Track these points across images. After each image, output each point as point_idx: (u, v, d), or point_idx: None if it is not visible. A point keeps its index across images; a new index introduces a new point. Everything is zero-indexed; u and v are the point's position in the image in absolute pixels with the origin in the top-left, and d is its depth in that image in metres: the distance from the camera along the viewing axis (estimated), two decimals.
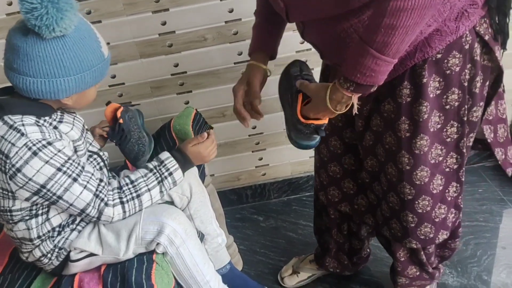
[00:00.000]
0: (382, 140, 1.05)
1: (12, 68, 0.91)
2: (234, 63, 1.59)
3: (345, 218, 1.34)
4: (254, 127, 1.75)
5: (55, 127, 0.97)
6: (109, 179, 1.06)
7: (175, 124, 1.34)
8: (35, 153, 0.89)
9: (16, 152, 0.89)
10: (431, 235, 1.12)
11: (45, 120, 0.96)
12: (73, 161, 0.95)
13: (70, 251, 1.06)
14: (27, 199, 0.95)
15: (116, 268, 1.03)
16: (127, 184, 1.02)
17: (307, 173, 1.89)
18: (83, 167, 0.97)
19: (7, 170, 0.90)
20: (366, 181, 1.18)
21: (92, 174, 0.98)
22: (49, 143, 0.91)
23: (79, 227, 1.07)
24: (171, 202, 1.17)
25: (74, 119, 1.05)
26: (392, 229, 1.16)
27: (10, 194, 0.94)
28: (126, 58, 1.54)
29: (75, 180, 0.94)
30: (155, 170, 1.05)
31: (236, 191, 1.90)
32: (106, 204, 0.98)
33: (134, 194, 1.01)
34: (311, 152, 1.83)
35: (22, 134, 0.90)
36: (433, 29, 0.89)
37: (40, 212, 1.00)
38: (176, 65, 1.57)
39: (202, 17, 1.49)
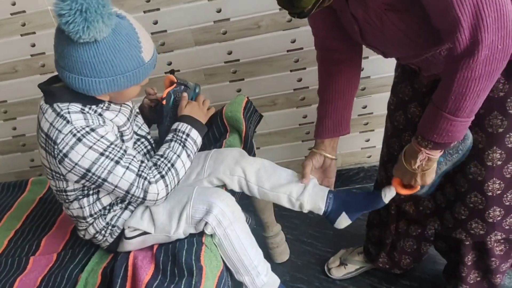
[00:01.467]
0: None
1: (56, 58, 0.96)
2: (287, 51, 1.58)
3: (403, 217, 1.30)
4: (305, 116, 1.74)
5: (100, 114, 1.01)
6: None
7: (226, 111, 1.36)
8: (79, 139, 0.94)
9: (63, 139, 0.94)
10: None
11: (90, 108, 1.00)
12: (116, 145, 0.98)
13: (123, 228, 1.11)
14: (76, 182, 1.01)
15: (167, 248, 1.07)
16: (159, 159, 1.05)
17: (357, 165, 1.85)
18: (125, 151, 1.00)
19: (56, 155, 0.96)
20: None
21: (134, 157, 1.01)
22: (92, 130, 0.96)
23: (130, 207, 1.11)
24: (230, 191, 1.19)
25: (121, 106, 1.08)
26: (472, 229, 1.12)
27: (62, 176, 1.01)
28: (181, 45, 1.57)
29: (117, 162, 0.98)
30: (174, 138, 1.09)
31: None
32: (149, 182, 1.01)
33: (169, 165, 1.05)
34: (363, 143, 1.80)
35: (68, 122, 0.95)
36: None
37: (91, 192, 1.06)
38: (230, 53, 1.59)
39: (257, 3, 1.49)
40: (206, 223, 1.04)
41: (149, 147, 1.16)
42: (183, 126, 1.10)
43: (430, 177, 0.97)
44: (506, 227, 1.09)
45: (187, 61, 1.60)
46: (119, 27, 0.92)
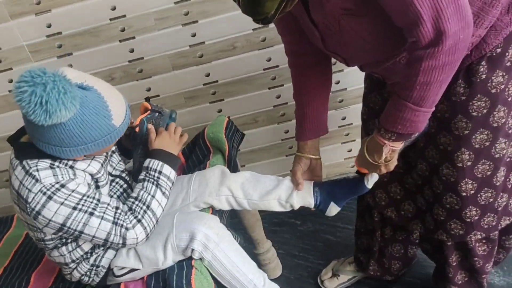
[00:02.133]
0: (435, 141, 1.04)
1: (25, 125, 0.96)
2: (264, 69, 1.61)
3: (388, 222, 1.32)
4: (286, 131, 1.76)
5: (71, 167, 0.99)
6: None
7: (208, 133, 1.37)
8: (49, 197, 0.94)
9: (33, 198, 0.94)
10: (494, 223, 1.11)
11: (60, 162, 0.99)
12: (88, 196, 0.98)
13: (109, 267, 1.10)
14: (54, 234, 1.01)
15: (158, 274, 1.07)
16: (133, 203, 1.04)
17: (342, 175, 1.88)
18: (98, 200, 0.99)
19: (29, 213, 0.96)
20: (418, 184, 1.16)
21: (108, 204, 1.01)
22: (62, 186, 0.95)
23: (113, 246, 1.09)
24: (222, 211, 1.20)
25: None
26: (452, 229, 1.13)
27: (39, 229, 1.01)
28: (159, 71, 1.59)
29: (91, 214, 0.97)
30: (147, 178, 1.07)
31: None
32: (126, 229, 1.01)
33: (144, 207, 1.03)
34: (345, 153, 1.83)
35: (37, 180, 0.94)
36: (488, 29, 0.88)
37: (69, 240, 1.06)
38: (208, 75, 1.61)
39: (230, 26, 1.53)
40: (192, 249, 1.05)
41: (125, 185, 1.15)
42: (154, 164, 1.08)
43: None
44: (485, 226, 1.11)
45: (166, 85, 1.62)
46: (85, 101, 0.91)
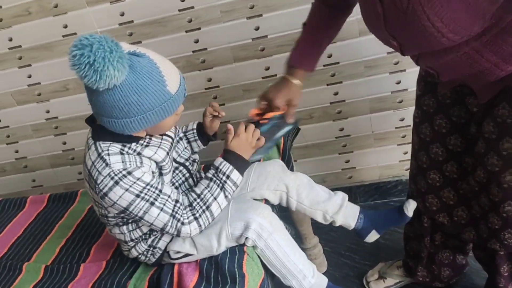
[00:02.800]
0: (498, 147, 1.00)
1: (89, 104, 1.01)
2: (324, 65, 1.61)
3: (439, 228, 1.29)
4: (341, 129, 1.75)
5: (139, 153, 1.03)
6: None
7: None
8: (116, 182, 0.98)
9: (102, 180, 0.99)
10: None
11: (129, 148, 1.03)
12: (151, 186, 1.01)
13: (165, 249, 1.15)
14: (117, 214, 1.07)
15: (211, 256, 1.11)
16: (195, 200, 1.06)
17: (395, 178, 1.84)
18: (160, 191, 1.03)
19: (97, 192, 1.01)
20: (474, 190, 1.13)
21: (169, 197, 1.04)
22: (129, 173, 0.99)
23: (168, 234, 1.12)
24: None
25: (162, 139, 1.11)
26: (506, 239, 1.10)
27: (104, 207, 1.07)
28: (221, 62, 1.63)
29: (152, 204, 1.01)
30: (214, 178, 1.08)
31: None
32: (182, 224, 1.03)
33: (204, 207, 1.05)
34: (401, 156, 1.80)
35: (107, 164, 0.99)
36: None
37: (130, 221, 1.10)
38: (267, 68, 1.64)
39: (293, 21, 1.53)
40: (246, 238, 1.08)
41: (187, 174, 1.19)
42: (225, 166, 1.08)
43: None
44: None
45: (226, 77, 1.66)
46: (138, 66, 0.93)
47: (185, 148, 1.25)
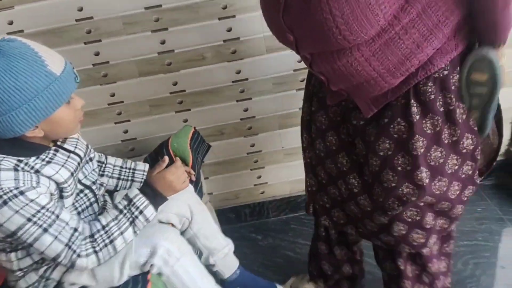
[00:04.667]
0: (393, 163, 1.03)
1: None
2: (232, 82, 1.60)
3: (341, 241, 1.33)
4: (252, 145, 1.75)
5: (37, 171, 0.93)
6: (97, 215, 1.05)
7: (173, 142, 1.34)
8: (5, 202, 0.87)
9: None
10: (422, 240, 1.13)
11: (26, 164, 0.93)
12: (47, 210, 0.91)
13: (59, 280, 1.04)
14: (3, 238, 0.94)
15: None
16: (98, 231, 0.97)
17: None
18: (57, 216, 0.92)
19: None
20: (355, 191, 1.16)
21: (67, 224, 0.94)
22: (21, 193, 0.88)
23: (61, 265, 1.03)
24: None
25: (68, 157, 1.02)
26: (395, 231, 1.13)
27: None
28: (125, 77, 1.55)
29: (45, 230, 0.91)
30: (125, 211, 1.00)
31: (235, 209, 1.89)
32: (78, 256, 0.94)
33: (107, 241, 0.97)
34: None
35: None
36: (436, 50, 0.90)
37: (19, 247, 0.99)
38: (175, 84, 1.58)
39: (201, 36, 1.51)
40: (151, 265, 1.01)
41: (92, 199, 1.10)
42: (140, 200, 1.01)
43: None
44: (414, 243, 1.13)
45: (131, 92, 1.58)
46: (9, 49, 0.85)
47: (93, 170, 1.14)
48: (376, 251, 1.29)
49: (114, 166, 1.24)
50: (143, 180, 1.21)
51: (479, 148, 1.03)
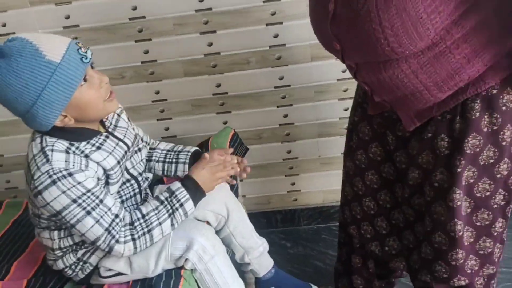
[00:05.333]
0: (431, 178, 1.01)
1: None
2: (275, 87, 1.61)
3: (371, 256, 1.30)
4: (289, 152, 1.75)
5: (87, 156, 0.96)
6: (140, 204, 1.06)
7: (213, 143, 1.37)
8: (54, 182, 0.91)
9: (39, 176, 0.91)
10: (477, 268, 1.08)
11: (77, 148, 0.96)
12: (92, 194, 0.94)
13: (96, 265, 1.07)
14: (48, 217, 0.99)
15: (144, 280, 1.04)
16: (138, 219, 0.99)
17: (339, 202, 1.86)
18: (101, 200, 0.95)
19: (32, 189, 0.94)
20: (410, 219, 1.14)
21: (109, 209, 0.96)
22: (70, 174, 0.92)
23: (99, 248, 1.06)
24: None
25: (117, 144, 1.04)
26: (436, 271, 1.10)
27: (36, 206, 0.99)
28: (170, 76, 1.59)
29: (88, 213, 0.93)
30: (166, 202, 1.01)
31: (266, 214, 1.89)
32: (117, 241, 0.96)
33: (146, 229, 0.99)
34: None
35: (48, 161, 0.92)
36: (487, 67, 0.88)
37: (63, 226, 1.02)
38: (218, 86, 1.61)
39: (247, 40, 1.53)
40: (186, 259, 1.02)
41: (137, 190, 1.12)
42: (182, 194, 1.02)
43: None
44: (468, 271, 1.07)
45: (175, 91, 1.62)
46: (9, 51, 0.88)
47: (141, 160, 1.16)
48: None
49: (162, 150, 1.24)
50: (187, 161, 1.20)
51: None
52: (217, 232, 1.22)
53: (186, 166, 1.20)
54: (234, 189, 1.32)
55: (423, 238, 1.11)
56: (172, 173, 1.23)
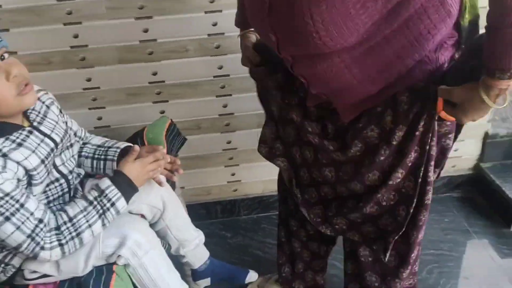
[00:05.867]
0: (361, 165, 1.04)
1: None
2: (214, 77, 1.59)
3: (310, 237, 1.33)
4: (229, 142, 1.74)
5: (4, 155, 0.88)
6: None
7: (148, 133, 1.32)
8: None
9: None
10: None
11: None
12: (11, 197, 0.86)
13: (19, 267, 1.00)
14: None
15: (72, 279, 0.99)
16: (65, 223, 0.93)
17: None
18: (22, 205, 0.88)
19: None
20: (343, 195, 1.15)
21: (31, 214, 0.89)
22: None
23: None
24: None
25: (42, 141, 0.96)
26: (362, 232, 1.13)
27: None
28: (103, 62, 1.51)
29: (7, 219, 0.86)
30: (95, 203, 0.95)
31: (206, 205, 1.87)
32: (42, 248, 0.90)
33: (74, 234, 0.93)
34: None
35: None
36: (416, 62, 0.91)
37: None
38: (155, 74, 1.55)
39: (185, 27, 1.49)
40: (119, 256, 0.98)
41: (66, 189, 1.05)
42: (112, 192, 0.96)
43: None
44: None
45: (109, 79, 1.54)
46: None
47: (72, 156, 1.09)
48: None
49: (93, 145, 1.18)
50: (115, 158, 1.14)
51: (425, 168, 0.99)
52: (152, 225, 1.18)
53: (114, 163, 1.13)
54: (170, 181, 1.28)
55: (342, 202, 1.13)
56: (101, 171, 1.16)
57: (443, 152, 1.04)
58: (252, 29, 1.19)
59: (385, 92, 0.95)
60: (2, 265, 0.99)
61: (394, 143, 0.98)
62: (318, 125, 1.11)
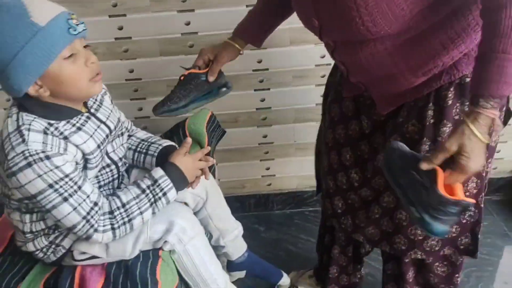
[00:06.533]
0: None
1: None
2: (252, 70, 1.60)
3: (350, 240, 1.32)
4: (265, 136, 1.75)
5: (66, 138, 0.91)
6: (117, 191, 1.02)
7: (189, 123, 1.34)
8: (29, 164, 0.85)
9: (13, 157, 0.85)
10: (437, 248, 1.10)
11: (56, 128, 0.91)
12: (70, 179, 0.89)
13: (69, 248, 1.03)
14: (20, 199, 0.93)
15: (120, 261, 1.02)
16: (118, 208, 0.95)
17: (312, 188, 1.87)
18: (79, 187, 0.91)
19: (5, 169, 0.88)
20: (369, 199, 1.14)
21: (88, 196, 0.92)
22: (47, 157, 0.86)
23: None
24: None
25: (98, 127, 0.99)
26: (395, 243, 1.12)
27: (8, 187, 0.93)
28: (146, 54, 1.54)
29: (65, 199, 0.89)
30: (148, 191, 0.97)
31: (240, 198, 1.88)
32: (95, 230, 0.93)
33: (126, 219, 0.95)
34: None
35: (23, 141, 0.86)
36: (462, 54, 0.89)
37: (36, 210, 0.97)
38: None
39: (225, 21, 1.49)
40: (165, 242, 1.00)
41: (116, 175, 1.07)
42: (165, 182, 0.98)
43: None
44: (427, 249, 1.09)
45: (150, 70, 1.57)
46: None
47: (122, 145, 1.11)
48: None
49: (137, 139, 1.20)
50: (155, 154, 1.15)
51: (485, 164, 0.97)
52: (195, 214, 1.20)
53: (154, 159, 1.15)
54: (211, 170, 1.30)
55: (383, 213, 1.11)
56: (141, 164, 1.18)
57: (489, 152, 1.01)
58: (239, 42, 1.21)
59: (428, 85, 0.93)
60: (53, 246, 1.02)
61: (439, 139, 0.95)
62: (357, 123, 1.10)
